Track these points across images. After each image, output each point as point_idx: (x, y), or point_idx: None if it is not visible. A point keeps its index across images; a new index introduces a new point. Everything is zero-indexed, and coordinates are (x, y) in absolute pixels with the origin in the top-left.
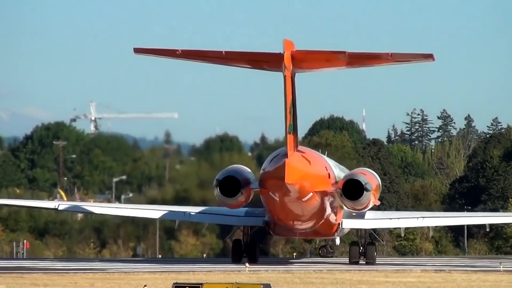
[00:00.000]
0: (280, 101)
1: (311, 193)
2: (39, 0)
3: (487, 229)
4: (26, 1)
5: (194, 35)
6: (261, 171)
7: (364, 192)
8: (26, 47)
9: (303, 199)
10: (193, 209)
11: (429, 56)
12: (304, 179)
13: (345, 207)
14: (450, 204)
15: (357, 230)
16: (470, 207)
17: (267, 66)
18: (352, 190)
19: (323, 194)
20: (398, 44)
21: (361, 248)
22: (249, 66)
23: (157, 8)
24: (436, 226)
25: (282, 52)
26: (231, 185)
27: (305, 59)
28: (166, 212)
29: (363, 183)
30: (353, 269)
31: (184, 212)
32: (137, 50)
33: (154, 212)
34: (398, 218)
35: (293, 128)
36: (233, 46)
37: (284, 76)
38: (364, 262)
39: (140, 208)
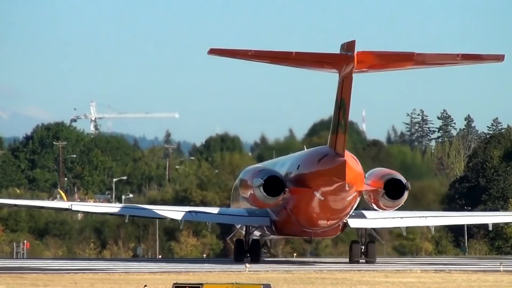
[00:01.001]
0: (282, 101)
1: (355, 192)
2: (40, 1)
3: (490, 228)
4: (27, 2)
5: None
6: (299, 171)
7: (405, 191)
8: (27, 48)
9: (348, 198)
10: (197, 209)
11: (499, 57)
12: (357, 178)
13: (376, 206)
14: (450, 204)
15: (357, 229)
16: (470, 208)
17: (329, 67)
18: (394, 189)
19: (360, 193)
20: (399, 43)
21: (362, 247)
22: (310, 67)
23: (156, 7)
24: (437, 226)
25: (350, 53)
26: (274, 184)
27: (372, 60)
28: (174, 211)
29: (404, 182)
30: (353, 269)
31: (190, 212)
32: (213, 51)
33: (164, 212)
34: (401, 217)
35: (345, 128)
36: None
37: (343, 77)
38: (364, 261)
39: (145, 208)
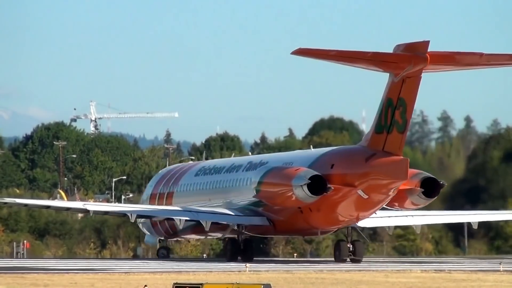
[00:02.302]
0: (282, 101)
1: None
2: (40, 1)
3: (475, 227)
4: (27, 2)
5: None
6: (337, 170)
7: (440, 189)
8: (27, 48)
9: (390, 196)
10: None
11: None
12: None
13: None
14: (450, 204)
15: (346, 228)
16: (470, 208)
17: (393, 67)
18: (430, 188)
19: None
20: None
21: (350, 245)
22: (369, 67)
23: (157, 7)
24: (440, 224)
25: (422, 53)
26: (317, 183)
27: (441, 61)
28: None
29: (440, 181)
30: (353, 269)
31: (191, 211)
32: (300, 51)
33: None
34: (407, 216)
35: (405, 128)
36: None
37: (404, 77)
38: (350, 260)
39: (155, 210)
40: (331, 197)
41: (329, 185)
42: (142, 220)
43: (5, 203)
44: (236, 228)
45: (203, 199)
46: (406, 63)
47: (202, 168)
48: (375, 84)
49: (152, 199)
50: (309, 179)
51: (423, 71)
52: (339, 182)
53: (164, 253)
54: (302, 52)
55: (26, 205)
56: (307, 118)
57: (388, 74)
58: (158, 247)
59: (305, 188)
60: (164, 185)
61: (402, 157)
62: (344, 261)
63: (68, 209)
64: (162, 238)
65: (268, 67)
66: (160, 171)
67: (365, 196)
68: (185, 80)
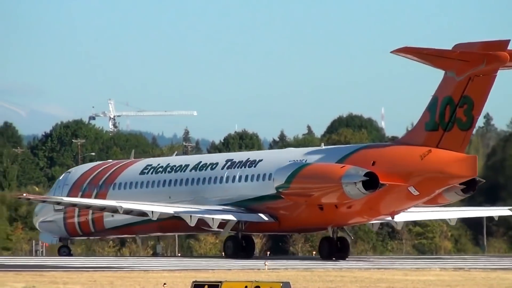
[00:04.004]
0: (301, 98)
1: None
2: (59, 1)
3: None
4: (46, 2)
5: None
6: (381, 167)
7: (476, 186)
8: (46, 45)
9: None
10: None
11: None
12: None
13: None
14: (469, 201)
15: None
16: (489, 205)
17: (452, 66)
18: (467, 184)
19: None
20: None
21: (338, 242)
22: (432, 64)
23: (174, 6)
24: (459, 218)
25: (500, 52)
26: (371, 179)
27: None
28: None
29: (477, 179)
30: (373, 267)
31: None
32: (404, 50)
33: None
34: (427, 211)
35: (471, 126)
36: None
37: (475, 75)
38: (335, 258)
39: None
40: (379, 193)
41: (382, 182)
42: (51, 217)
43: (58, 202)
44: (239, 225)
45: (158, 197)
46: (469, 61)
47: (148, 166)
48: (393, 82)
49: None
50: (365, 175)
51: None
52: (383, 178)
53: (66, 251)
54: (405, 50)
55: (75, 204)
56: (326, 115)
57: (444, 72)
58: (59, 246)
59: (360, 185)
60: (90, 185)
61: (466, 155)
62: (331, 258)
63: (101, 207)
64: (68, 237)
65: (286, 64)
66: (69, 171)
67: (416, 193)
68: (203, 78)
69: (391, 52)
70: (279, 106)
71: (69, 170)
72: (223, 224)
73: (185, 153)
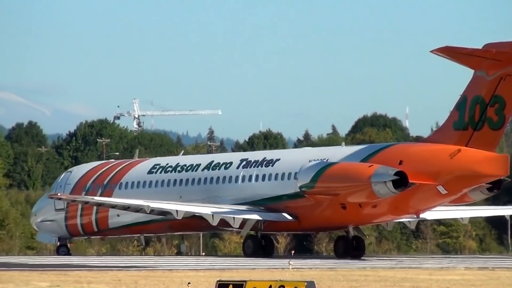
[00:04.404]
0: (325, 97)
1: None
2: (83, 1)
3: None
4: (70, 2)
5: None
6: (408, 167)
7: (501, 185)
8: (70, 45)
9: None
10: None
11: None
12: None
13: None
14: (494, 201)
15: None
16: None
17: (498, 66)
18: (493, 184)
19: None
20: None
21: (354, 241)
22: (464, 63)
23: (199, 5)
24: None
25: None
26: (401, 178)
27: None
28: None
29: (502, 178)
30: (396, 266)
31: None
32: (444, 50)
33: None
34: (453, 211)
35: (502, 125)
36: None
37: (507, 74)
38: (351, 257)
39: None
40: (403, 193)
41: (412, 181)
42: (51, 216)
43: (101, 204)
44: (258, 224)
45: (169, 196)
46: (502, 60)
47: (157, 165)
48: (418, 82)
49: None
50: (396, 174)
51: None
52: (412, 178)
53: (65, 251)
54: (445, 50)
55: (114, 206)
56: (350, 115)
57: (473, 71)
58: (57, 245)
59: (390, 184)
60: (94, 184)
61: (497, 154)
62: (348, 257)
63: (128, 206)
64: (68, 236)
65: (311, 63)
66: (70, 170)
67: (444, 192)
68: (228, 77)
69: (430, 51)
70: (304, 105)
71: (69, 170)
72: (241, 223)
73: (209, 152)
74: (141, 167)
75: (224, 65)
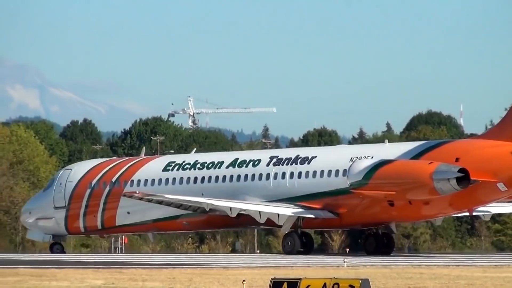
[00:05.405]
0: (380, 94)
1: None
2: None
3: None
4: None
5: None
6: (466, 163)
7: None
8: (126, 43)
9: None
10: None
11: None
12: None
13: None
14: None
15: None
16: None
17: None
18: None
19: None
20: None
21: (384, 238)
22: None
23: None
24: None
25: None
26: (463, 175)
27: None
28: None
29: None
30: (451, 264)
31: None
32: None
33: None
34: (506, 206)
35: None
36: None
37: None
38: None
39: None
40: (467, 189)
41: (474, 179)
42: (50, 214)
43: (161, 201)
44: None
45: (189, 194)
46: None
47: (172, 163)
48: (472, 79)
49: (76, 197)
50: (459, 171)
51: None
52: (471, 175)
53: (59, 249)
54: None
55: (171, 204)
56: (405, 112)
57: None
58: (51, 243)
59: (453, 181)
60: (100, 182)
61: None
62: (376, 253)
63: (190, 203)
64: (66, 234)
65: (366, 61)
66: (69, 168)
67: (504, 189)
68: (283, 75)
69: None
70: (359, 103)
71: (68, 167)
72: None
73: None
74: (154, 165)
75: (278, 63)
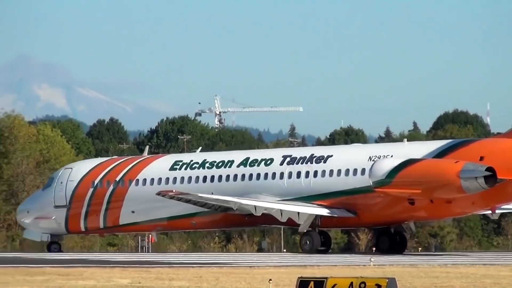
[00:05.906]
0: (407, 94)
1: None
2: (167, 3)
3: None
4: (154, 4)
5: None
6: (491, 162)
7: None
8: (152, 42)
9: None
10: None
11: None
12: None
13: None
14: None
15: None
16: None
17: None
18: None
19: None
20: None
21: (397, 237)
22: None
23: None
24: None
25: None
26: (491, 174)
27: None
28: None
29: None
30: (477, 262)
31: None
32: None
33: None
34: None
35: None
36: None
37: None
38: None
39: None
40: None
41: (500, 177)
42: (50, 213)
43: (195, 202)
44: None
45: (200, 193)
46: None
47: (179, 162)
48: (499, 78)
49: (77, 196)
50: (487, 170)
51: None
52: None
53: (57, 248)
54: None
55: (204, 204)
56: (432, 111)
57: None
58: (48, 242)
59: (481, 180)
60: (104, 181)
61: None
62: (388, 252)
63: (217, 202)
64: (65, 233)
65: (393, 60)
66: (69, 167)
67: None
68: (309, 74)
69: None
70: (385, 102)
71: (68, 166)
72: (288, 220)
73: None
74: (160, 164)
75: (305, 62)
